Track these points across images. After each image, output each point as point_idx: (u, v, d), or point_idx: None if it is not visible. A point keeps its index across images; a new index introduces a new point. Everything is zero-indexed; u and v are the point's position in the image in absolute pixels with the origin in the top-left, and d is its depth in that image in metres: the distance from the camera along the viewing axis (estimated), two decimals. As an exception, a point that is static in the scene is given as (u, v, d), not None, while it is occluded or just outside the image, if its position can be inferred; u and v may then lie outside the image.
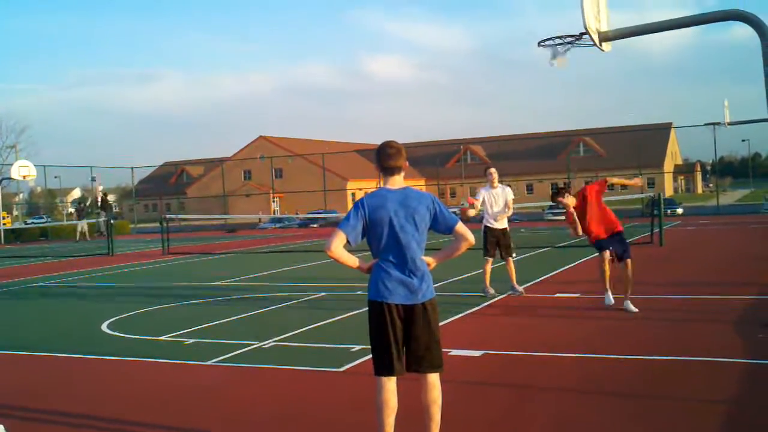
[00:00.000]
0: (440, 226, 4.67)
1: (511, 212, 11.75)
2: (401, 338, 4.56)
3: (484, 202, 11.63)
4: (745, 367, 6.77)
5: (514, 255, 11.95)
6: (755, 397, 5.93)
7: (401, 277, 4.56)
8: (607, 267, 10.06)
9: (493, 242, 11.66)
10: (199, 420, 5.93)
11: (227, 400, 6.47)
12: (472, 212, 11.54)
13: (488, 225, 11.66)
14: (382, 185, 4.78)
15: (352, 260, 4.64)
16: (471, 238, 4.65)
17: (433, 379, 4.64)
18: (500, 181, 11.86)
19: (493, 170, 11.79)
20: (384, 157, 4.73)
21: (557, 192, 10.52)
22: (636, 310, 9.65)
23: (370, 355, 4.70)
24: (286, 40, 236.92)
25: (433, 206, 4.67)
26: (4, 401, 6.72)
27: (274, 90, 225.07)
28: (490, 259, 11.68)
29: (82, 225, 38.35)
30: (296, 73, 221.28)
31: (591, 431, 5.20)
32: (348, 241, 4.57)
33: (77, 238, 37.64)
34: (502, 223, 11.69)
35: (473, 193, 12.50)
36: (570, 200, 10.34)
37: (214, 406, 6.31)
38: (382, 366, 4.57)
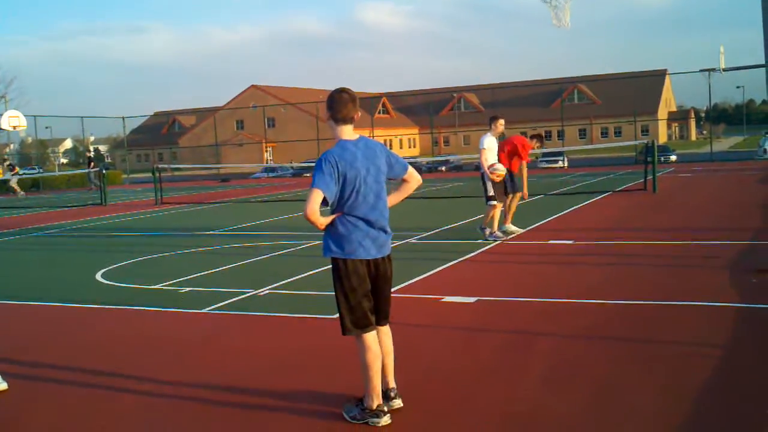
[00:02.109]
0: (394, 172, 4.65)
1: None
2: (369, 293, 4.57)
3: (490, 149, 11.64)
4: (738, 312, 6.81)
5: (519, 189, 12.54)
6: (748, 340, 5.98)
7: (374, 233, 4.52)
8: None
9: (502, 189, 11.91)
10: (198, 368, 5.95)
11: (225, 347, 6.50)
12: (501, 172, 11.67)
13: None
14: (341, 137, 4.59)
15: (322, 221, 4.50)
16: (420, 179, 4.83)
17: (388, 328, 4.76)
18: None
19: (502, 120, 11.78)
20: (340, 106, 4.54)
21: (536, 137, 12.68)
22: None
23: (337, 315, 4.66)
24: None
25: (386, 154, 4.63)
26: None
27: (264, 40, 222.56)
28: (500, 204, 11.90)
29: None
30: (286, 22, 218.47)
31: (585, 376, 5.25)
32: (327, 199, 4.40)
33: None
34: (505, 168, 11.85)
35: (467, 142, 12.80)
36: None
37: (212, 354, 6.34)
38: (363, 322, 4.54)
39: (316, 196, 4.33)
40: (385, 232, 4.59)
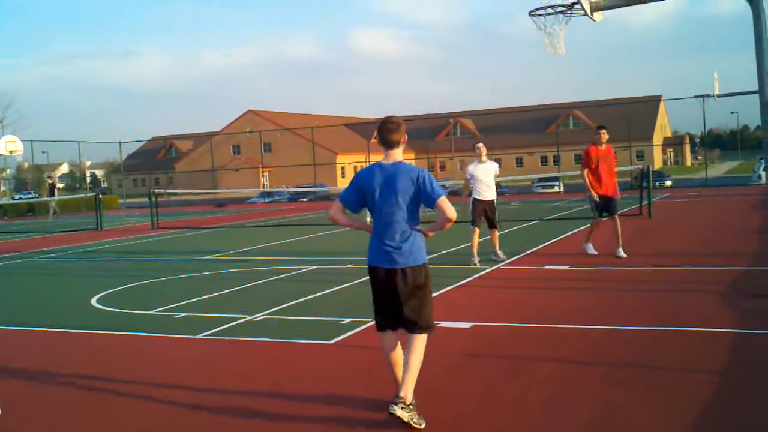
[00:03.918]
0: (423, 199, 4.91)
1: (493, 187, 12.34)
2: (386, 299, 5.00)
3: (473, 176, 12.08)
4: (734, 337, 6.80)
5: (498, 227, 12.54)
6: (745, 366, 5.95)
7: (383, 245, 4.95)
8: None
9: (481, 213, 12.09)
10: (191, 393, 5.91)
11: (218, 373, 6.46)
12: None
13: (477, 197, 12.10)
14: (379, 159, 5.12)
15: (352, 221, 5.21)
16: (450, 214, 4.83)
17: (415, 339, 4.99)
18: (488, 155, 12.37)
19: (481, 145, 12.30)
20: (384, 132, 5.04)
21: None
22: None
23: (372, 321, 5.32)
24: (272, 13, 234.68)
25: (419, 180, 4.88)
26: (-8, 376, 6.69)
27: (260, 65, 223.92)
28: (477, 230, 12.03)
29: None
30: (282, 47, 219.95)
31: (584, 401, 5.22)
32: (348, 208, 5.08)
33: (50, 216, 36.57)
34: (491, 195, 12.15)
35: (462, 167, 13.03)
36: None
37: (205, 379, 6.30)
38: (379, 324, 5.10)
39: (335, 205, 5.08)
40: (397, 246, 4.92)
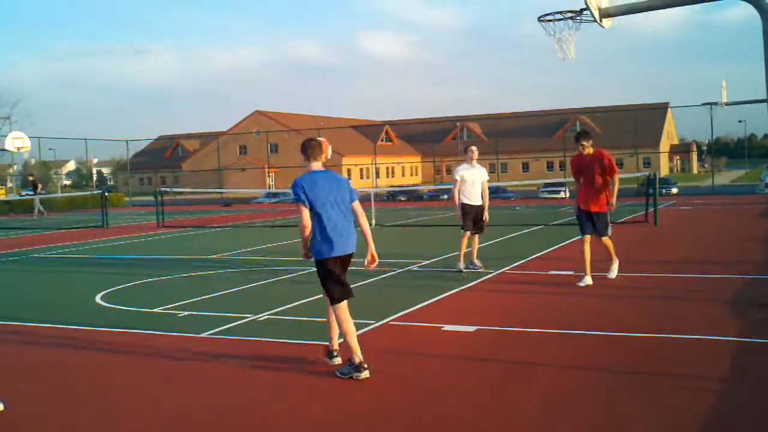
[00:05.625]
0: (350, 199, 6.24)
1: (486, 194, 11.89)
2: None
3: (463, 179, 11.74)
4: (738, 346, 6.79)
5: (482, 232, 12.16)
6: (748, 375, 5.94)
7: (338, 235, 6.13)
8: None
9: (470, 218, 11.77)
10: (194, 391, 5.93)
11: (221, 372, 6.47)
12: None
13: (465, 202, 11.76)
14: (310, 168, 6.26)
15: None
16: (359, 210, 6.28)
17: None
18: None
19: (474, 148, 12.03)
20: (310, 150, 6.24)
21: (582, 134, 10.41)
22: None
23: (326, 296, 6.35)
24: (280, 15, 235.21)
25: (347, 184, 6.28)
26: (-3, 371, 6.72)
27: (268, 66, 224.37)
28: (467, 233, 11.81)
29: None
30: (290, 49, 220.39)
31: (584, 408, 5.22)
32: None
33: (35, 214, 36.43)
34: (479, 200, 11.83)
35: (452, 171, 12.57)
36: None
37: (208, 377, 6.31)
38: (339, 294, 6.18)
39: (305, 211, 6.12)
40: (344, 235, 6.23)
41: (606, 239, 10.26)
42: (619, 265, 10.58)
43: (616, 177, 10.16)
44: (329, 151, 6.43)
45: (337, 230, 6.08)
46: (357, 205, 6.23)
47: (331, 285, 6.17)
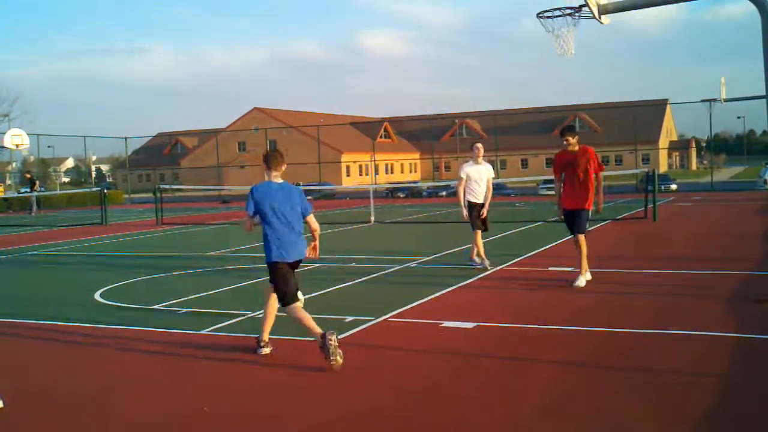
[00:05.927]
0: (302, 212, 6.70)
1: (490, 192, 11.76)
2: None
3: (468, 177, 11.65)
4: (737, 341, 6.79)
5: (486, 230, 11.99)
6: (746, 370, 5.95)
7: (288, 242, 6.62)
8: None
9: (477, 216, 11.67)
10: (195, 389, 5.93)
11: (221, 370, 6.48)
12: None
13: (471, 200, 11.67)
14: (267, 179, 6.75)
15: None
16: (314, 225, 6.78)
17: None
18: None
19: (480, 145, 11.75)
20: (272, 162, 6.76)
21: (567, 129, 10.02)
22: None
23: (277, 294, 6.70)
24: (279, 12, 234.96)
25: (300, 197, 6.71)
26: (-4, 368, 6.72)
27: (267, 63, 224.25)
28: (479, 231, 11.73)
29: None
30: (289, 46, 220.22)
31: (584, 404, 5.22)
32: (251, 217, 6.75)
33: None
34: (482, 198, 11.71)
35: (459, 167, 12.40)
36: None
37: (208, 375, 6.32)
38: (291, 298, 6.57)
39: (247, 219, 6.82)
40: (295, 242, 6.72)
41: (581, 238, 9.79)
42: (617, 262, 10.57)
43: (601, 175, 9.78)
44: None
45: (282, 240, 6.61)
46: (311, 219, 6.76)
47: (282, 287, 6.63)
